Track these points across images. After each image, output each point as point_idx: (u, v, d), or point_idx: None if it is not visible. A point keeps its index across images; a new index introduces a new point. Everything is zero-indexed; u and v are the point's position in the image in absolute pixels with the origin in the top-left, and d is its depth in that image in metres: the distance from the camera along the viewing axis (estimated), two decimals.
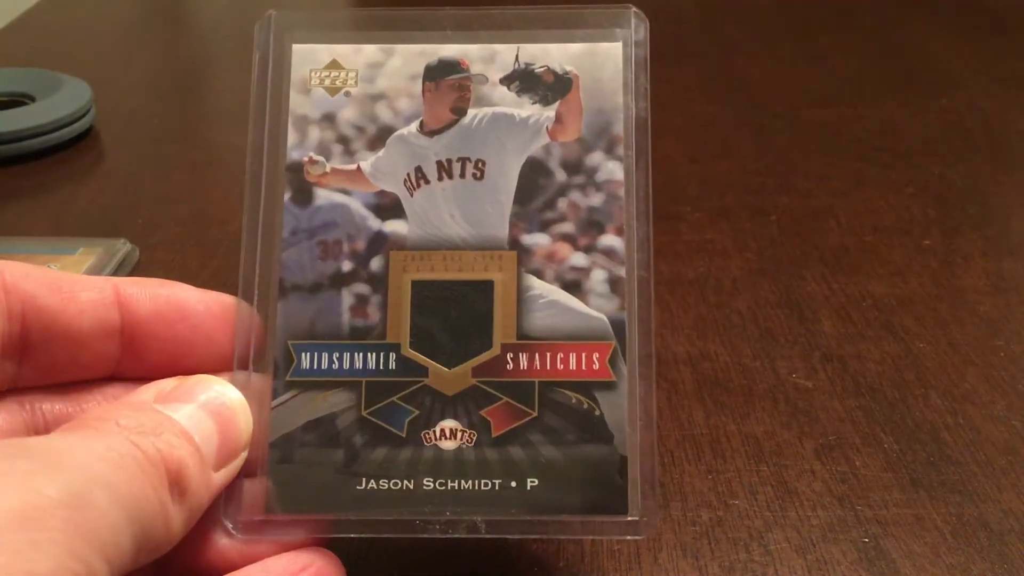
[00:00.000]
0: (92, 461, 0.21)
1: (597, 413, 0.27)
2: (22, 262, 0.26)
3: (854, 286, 0.46)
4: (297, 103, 0.29)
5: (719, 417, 0.37)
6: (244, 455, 0.26)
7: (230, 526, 0.26)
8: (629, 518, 0.26)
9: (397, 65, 0.30)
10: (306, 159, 0.29)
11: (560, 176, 0.29)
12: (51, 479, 0.20)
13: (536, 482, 0.27)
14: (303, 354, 0.28)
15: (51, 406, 0.26)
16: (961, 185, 0.55)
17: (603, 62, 0.29)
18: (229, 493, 0.26)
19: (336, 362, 0.27)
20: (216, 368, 0.28)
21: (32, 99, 0.61)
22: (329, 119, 0.30)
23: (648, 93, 0.29)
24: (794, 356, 0.41)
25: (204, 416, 0.25)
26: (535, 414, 0.27)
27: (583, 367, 0.27)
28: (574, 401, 0.27)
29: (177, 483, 0.23)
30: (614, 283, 0.28)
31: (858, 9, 0.86)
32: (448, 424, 0.27)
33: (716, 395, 0.38)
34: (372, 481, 0.26)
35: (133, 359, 0.27)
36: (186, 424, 0.24)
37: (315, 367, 0.27)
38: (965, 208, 0.53)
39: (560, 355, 0.27)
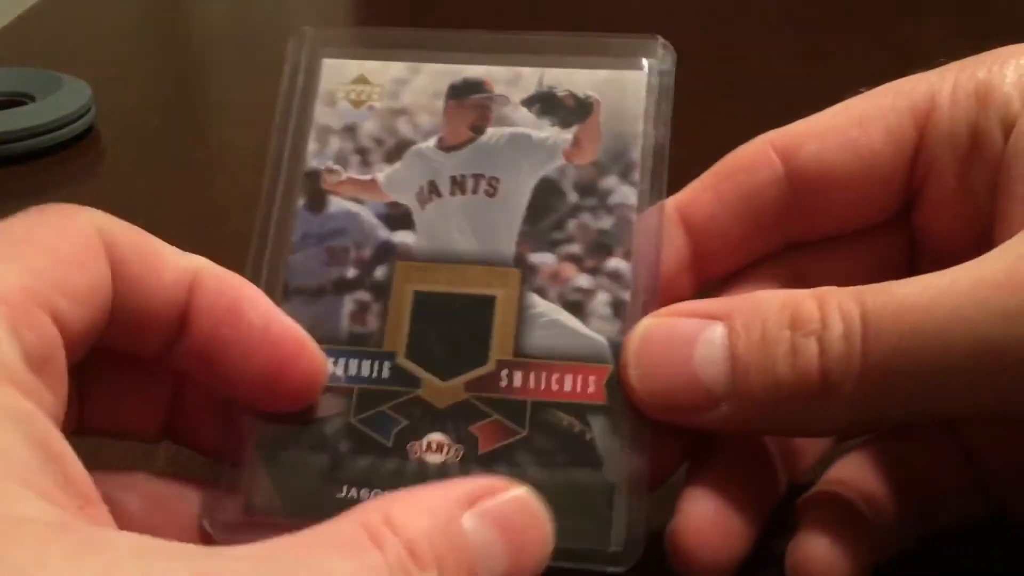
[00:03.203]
0: None
1: (588, 436, 0.26)
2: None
3: None
4: (322, 114, 0.30)
5: None
6: None
7: (208, 524, 0.25)
8: (612, 548, 0.25)
9: (422, 82, 0.30)
10: (324, 168, 0.29)
11: (572, 197, 0.29)
12: None
13: None
14: None
15: None
16: None
17: (626, 89, 0.29)
18: (209, 492, 0.25)
19: (330, 367, 0.27)
20: (245, 390, 0.26)
21: (32, 99, 0.61)
22: (350, 130, 0.30)
23: (670, 121, 0.29)
24: None
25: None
26: (525, 433, 0.26)
27: (578, 389, 0.27)
28: (566, 423, 0.26)
29: None
30: (617, 306, 0.27)
31: (858, 9, 0.86)
32: (436, 437, 0.26)
33: None
34: (354, 489, 0.26)
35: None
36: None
37: None
38: None
39: (556, 375, 0.27)
